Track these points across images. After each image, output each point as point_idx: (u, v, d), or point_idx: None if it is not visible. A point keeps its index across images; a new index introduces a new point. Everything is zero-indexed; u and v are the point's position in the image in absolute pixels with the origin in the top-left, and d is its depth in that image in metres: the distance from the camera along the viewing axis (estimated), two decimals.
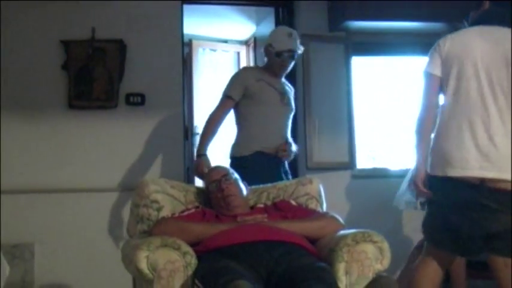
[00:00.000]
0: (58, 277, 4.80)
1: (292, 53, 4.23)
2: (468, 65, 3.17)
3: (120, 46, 4.95)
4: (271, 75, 4.26)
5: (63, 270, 4.80)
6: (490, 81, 3.13)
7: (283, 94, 4.26)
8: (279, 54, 4.20)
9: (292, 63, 4.35)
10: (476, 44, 3.20)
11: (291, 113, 4.32)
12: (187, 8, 5.33)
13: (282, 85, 4.32)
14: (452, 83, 3.21)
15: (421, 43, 5.79)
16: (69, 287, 4.79)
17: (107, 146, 4.95)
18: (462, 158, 3.10)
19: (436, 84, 3.27)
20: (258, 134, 4.16)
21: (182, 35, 5.26)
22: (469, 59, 3.17)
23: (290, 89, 4.42)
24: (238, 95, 4.17)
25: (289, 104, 4.29)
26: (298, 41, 4.29)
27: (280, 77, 4.32)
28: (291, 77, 5.56)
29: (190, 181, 5.38)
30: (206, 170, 3.70)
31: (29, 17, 4.84)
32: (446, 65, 3.23)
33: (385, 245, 2.89)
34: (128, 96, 4.99)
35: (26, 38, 4.86)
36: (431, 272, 3.27)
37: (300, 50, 4.31)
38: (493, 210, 3.06)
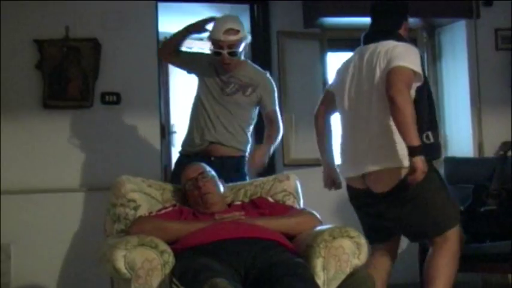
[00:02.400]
0: (35, 278, 4.77)
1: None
2: None
3: (95, 45, 4.92)
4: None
5: (40, 271, 4.77)
6: None
7: (228, 83, 3.92)
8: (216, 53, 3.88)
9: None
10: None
11: (237, 106, 3.93)
12: (162, 6, 5.31)
13: (235, 72, 3.94)
14: None
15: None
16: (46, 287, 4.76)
17: (82, 145, 4.91)
18: None
19: None
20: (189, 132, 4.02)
21: (157, 33, 5.23)
22: None
23: (255, 80, 3.98)
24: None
25: (234, 94, 3.92)
26: (238, 36, 3.85)
27: (227, 73, 3.95)
28: None
29: (167, 179, 5.36)
30: None
31: (1, 16, 4.79)
32: None
33: (362, 240, 2.92)
34: (103, 95, 4.95)
35: None
36: (378, 262, 3.54)
37: (240, 47, 3.89)
38: None
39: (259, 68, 4.21)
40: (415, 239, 3.86)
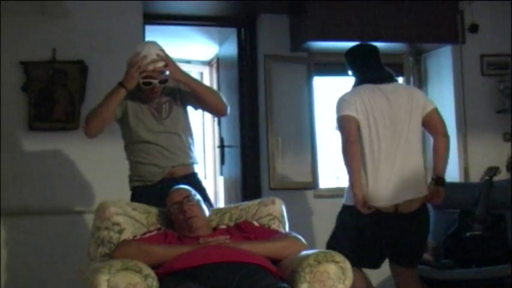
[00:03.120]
0: None
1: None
2: None
3: (81, 67, 4.92)
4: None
5: None
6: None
7: (159, 107, 3.70)
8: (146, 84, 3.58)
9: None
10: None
11: (179, 119, 3.76)
12: (149, 29, 5.33)
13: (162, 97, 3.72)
14: None
15: (384, 63, 5.88)
16: None
17: (67, 167, 4.89)
18: None
19: None
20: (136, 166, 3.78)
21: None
22: None
23: (175, 89, 3.76)
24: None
25: (171, 112, 3.72)
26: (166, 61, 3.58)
27: (151, 100, 3.70)
28: (253, 97, 5.61)
29: None
30: None
31: None
32: None
33: (347, 265, 2.91)
34: None
35: None
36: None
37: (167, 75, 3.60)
38: None
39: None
40: (410, 260, 4.06)
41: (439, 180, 3.93)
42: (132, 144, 3.75)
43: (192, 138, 3.83)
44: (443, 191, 3.94)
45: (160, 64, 3.55)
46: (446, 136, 4.02)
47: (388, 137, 3.84)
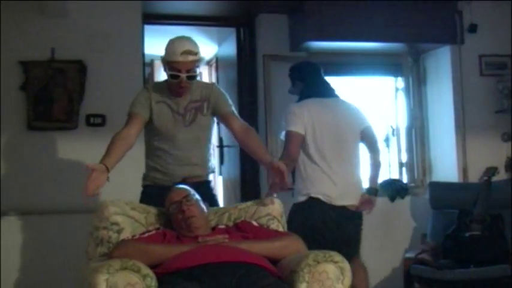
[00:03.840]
0: None
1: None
2: None
3: (80, 67, 4.92)
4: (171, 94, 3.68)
5: None
6: None
7: (185, 113, 3.67)
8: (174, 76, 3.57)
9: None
10: None
11: (200, 128, 3.70)
12: (148, 29, 5.32)
13: (187, 99, 3.68)
14: None
15: (382, 63, 5.90)
16: None
17: (66, 167, 4.88)
18: None
19: None
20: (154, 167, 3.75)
21: (143, 55, 5.24)
22: None
23: (205, 94, 3.72)
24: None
25: (194, 120, 3.67)
26: (197, 57, 3.57)
27: (179, 96, 3.67)
28: (252, 97, 5.60)
29: None
30: None
31: None
32: None
33: (346, 265, 2.91)
34: (88, 117, 4.95)
35: None
36: None
37: (197, 70, 3.64)
38: None
39: (202, 81, 4.06)
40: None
41: (373, 190, 4.28)
42: (152, 147, 3.73)
43: (211, 146, 3.81)
44: (376, 199, 4.28)
45: (191, 58, 3.51)
46: (379, 150, 4.39)
47: (333, 148, 4.15)
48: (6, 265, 4.71)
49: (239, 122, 3.70)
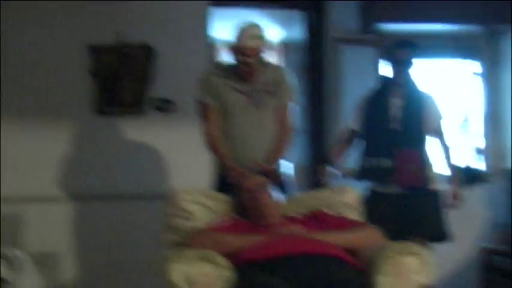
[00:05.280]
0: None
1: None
2: None
3: (148, 51, 4.88)
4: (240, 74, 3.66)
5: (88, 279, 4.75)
6: None
7: (255, 95, 3.65)
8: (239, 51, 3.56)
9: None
10: None
11: (270, 112, 3.67)
12: (216, 12, 5.25)
13: (255, 80, 3.65)
14: None
15: (457, 46, 5.71)
16: None
17: (135, 152, 4.88)
18: None
19: None
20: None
21: (211, 39, 5.18)
22: None
23: (275, 77, 3.71)
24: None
25: (265, 102, 3.65)
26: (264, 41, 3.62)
27: (248, 80, 3.65)
28: (320, 81, 5.49)
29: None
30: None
31: (55, 20, 4.79)
32: None
33: (427, 258, 2.80)
34: (156, 102, 4.92)
35: (51, 42, 4.80)
36: None
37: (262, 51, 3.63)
38: None
39: (271, 61, 3.99)
40: None
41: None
42: (221, 133, 3.68)
43: None
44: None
45: (260, 43, 3.54)
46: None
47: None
48: (77, 250, 4.74)
49: (282, 118, 3.70)
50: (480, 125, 5.82)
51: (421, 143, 4.16)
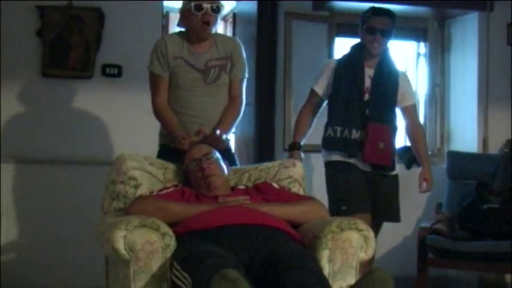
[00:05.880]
0: (25, 250, 4.71)
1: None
2: None
3: (98, 15, 4.79)
4: (193, 46, 3.58)
5: (30, 242, 4.70)
6: None
7: (208, 70, 3.57)
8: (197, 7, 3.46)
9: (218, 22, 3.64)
10: None
11: (223, 88, 3.63)
12: None
13: (208, 54, 3.59)
14: None
15: (405, 27, 5.74)
16: (34, 261, 4.65)
17: (80, 117, 4.82)
18: None
19: None
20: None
21: (162, 7, 5.12)
22: None
23: (228, 50, 3.63)
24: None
25: (218, 78, 3.59)
26: None
27: (204, 39, 3.57)
28: (271, 55, 5.47)
29: None
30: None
31: None
32: None
33: (371, 234, 2.83)
34: (104, 67, 4.84)
35: None
36: None
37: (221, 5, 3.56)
38: None
39: (224, 34, 3.93)
40: None
41: None
42: (172, 104, 3.61)
43: None
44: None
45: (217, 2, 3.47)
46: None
47: None
48: (11, 213, 4.67)
49: (236, 93, 3.66)
50: (423, 107, 5.89)
51: (392, 120, 4.05)
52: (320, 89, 4.09)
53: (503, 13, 5.51)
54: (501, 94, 5.53)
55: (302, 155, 4.07)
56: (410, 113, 4.15)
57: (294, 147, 4.10)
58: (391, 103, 4.03)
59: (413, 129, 4.18)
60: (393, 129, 4.04)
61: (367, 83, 3.98)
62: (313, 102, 4.16)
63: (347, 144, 3.94)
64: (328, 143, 4.04)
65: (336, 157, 3.99)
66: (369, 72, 4.00)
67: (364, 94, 3.97)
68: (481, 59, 5.53)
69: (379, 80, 3.99)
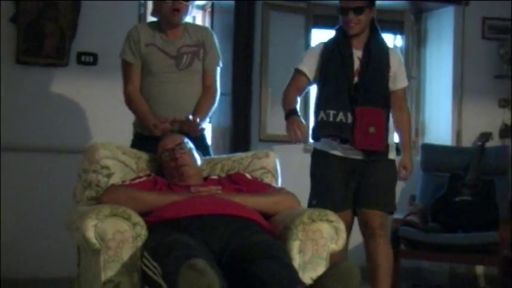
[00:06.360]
0: None
1: None
2: None
3: (74, 2, 4.76)
4: (165, 34, 3.58)
5: (2, 231, 4.64)
6: None
7: (180, 56, 3.58)
8: None
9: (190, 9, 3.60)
10: None
11: (196, 75, 3.63)
12: None
13: (181, 41, 3.59)
14: None
15: (381, 19, 5.75)
16: (7, 249, 4.63)
17: (54, 105, 4.78)
18: None
19: None
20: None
21: None
22: None
23: (200, 38, 3.63)
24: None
25: (191, 64, 3.60)
26: None
27: (175, 26, 3.57)
28: (247, 45, 5.47)
29: None
30: None
31: None
32: None
33: (341, 225, 2.84)
34: (79, 55, 4.82)
35: None
36: None
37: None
38: None
39: (197, 24, 3.94)
40: None
41: None
42: (141, 93, 3.61)
43: None
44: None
45: None
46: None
47: None
48: None
49: (210, 82, 3.66)
50: None
51: (384, 103, 3.80)
52: (307, 68, 3.87)
53: (478, 7, 5.57)
54: (475, 87, 5.59)
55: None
56: (399, 97, 3.91)
57: (290, 113, 3.77)
58: (383, 84, 3.81)
59: (400, 114, 3.92)
60: (386, 111, 3.80)
61: (356, 64, 3.79)
62: (298, 82, 3.91)
63: (341, 128, 3.72)
64: (321, 127, 3.79)
65: (320, 146, 3.86)
66: (357, 53, 3.81)
67: (354, 77, 3.78)
68: (456, 53, 5.59)
69: (367, 61, 3.78)
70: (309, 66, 3.88)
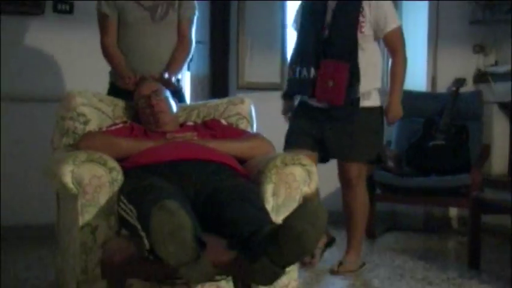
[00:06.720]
0: None
1: None
2: None
3: None
4: None
5: None
6: None
7: (155, 7, 3.61)
8: None
9: None
10: None
11: (172, 26, 3.66)
12: None
13: None
14: None
15: None
16: None
17: (31, 54, 4.78)
18: None
19: None
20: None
21: None
22: None
23: None
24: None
25: (166, 15, 3.63)
26: None
27: None
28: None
29: None
30: None
31: None
32: None
33: (313, 169, 2.90)
34: (55, 3, 4.80)
35: None
36: None
37: None
38: None
39: None
40: None
41: None
42: (117, 44, 3.65)
43: None
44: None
45: None
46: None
47: None
48: None
49: (185, 32, 3.67)
50: None
51: (351, 53, 3.68)
52: (296, 26, 3.95)
53: None
54: (450, 33, 5.61)
55: None
56: (388, 41, 3.81)
57: None
58: (350, 35, 3.68)
59: (392, 59, 3.86)
60: (352, 66, 3.67)
61: (329, 18, 3.72)
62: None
63: (303, 84, 3.77)
64: (288, 85, 3.93)
65: (301, 96, 3.94)
66: (332, 5, 3.74)
67: (324, 30, 3.72)
68: None
69: (338, 14, 3.70)
70: (298, 24, 3.93)
